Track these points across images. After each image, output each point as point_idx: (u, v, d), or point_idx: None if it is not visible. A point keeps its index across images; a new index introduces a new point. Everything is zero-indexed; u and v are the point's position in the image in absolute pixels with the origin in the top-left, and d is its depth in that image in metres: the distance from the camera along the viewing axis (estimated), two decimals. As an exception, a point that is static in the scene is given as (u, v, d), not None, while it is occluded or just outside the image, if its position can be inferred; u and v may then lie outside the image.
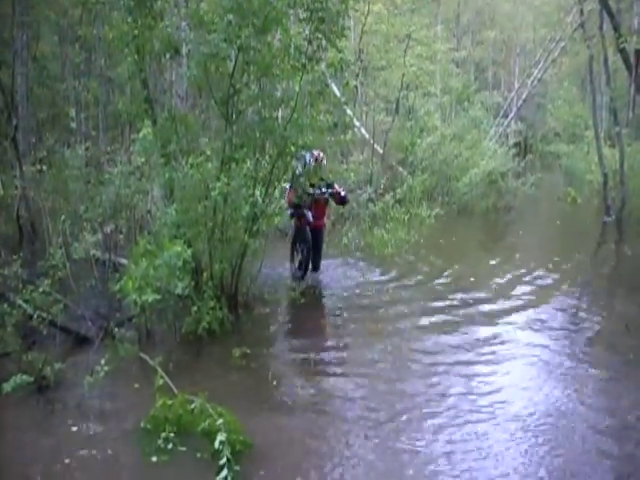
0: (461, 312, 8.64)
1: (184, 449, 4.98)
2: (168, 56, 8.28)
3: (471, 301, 9.13)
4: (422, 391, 6.18)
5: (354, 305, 8.95)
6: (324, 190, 9.72)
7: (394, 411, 5.77)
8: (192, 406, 5.19)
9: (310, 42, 7.75)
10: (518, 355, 7.16)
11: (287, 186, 9.21)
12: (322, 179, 9.66)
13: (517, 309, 8.84)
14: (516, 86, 29.94)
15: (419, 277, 10.37)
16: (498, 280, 10.40)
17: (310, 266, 10.02)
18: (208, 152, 7.80)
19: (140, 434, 5.19)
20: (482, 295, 9.46)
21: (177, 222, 7.36)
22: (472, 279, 10.30)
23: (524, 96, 26.67)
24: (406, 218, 12.48)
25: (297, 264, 9.99)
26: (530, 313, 8.66)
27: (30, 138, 12.65)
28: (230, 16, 7.17)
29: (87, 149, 11.54)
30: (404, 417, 5.66)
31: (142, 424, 5.25)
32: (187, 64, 8.92)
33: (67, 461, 4.89)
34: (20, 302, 6.65)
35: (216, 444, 4.66)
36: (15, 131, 11.37)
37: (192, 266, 7.21)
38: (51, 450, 5.06)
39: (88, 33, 14.45)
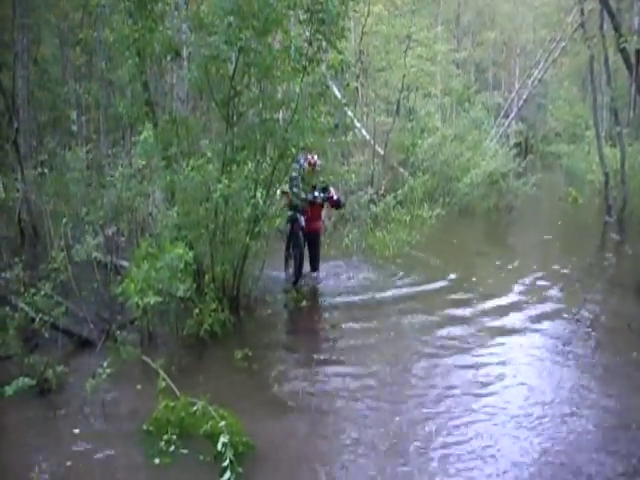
0: (462, 311, 8.64)
1: (186, 451, 4.98)
2: (169, 58, 8.30)
3: (472, 300, 9.13)
4: (424, 391, 6.19)
5: (356, 306, 8.94)
6: (317, 194, 9.65)
7: (397, 412, 5.78)
8: (194, 408, 5.19)
9: (310, 44, 7.75)
10: (519, 354, 7.17)
11: (284, 188, 9.10)
12: (316, 184, 9.55)
13: (518, 309, 8.85)
14: (517, 86, 29.93)
15: (421, 277, 10.35)
16: (498, 279, 10.40)
17: (309, 267, 10.01)
18: (209, 154, 7.81)
19: (142, 436, 5.19)
20: (483, 294, 9.45)
21: (178, 224, 7.37)
22: (473, 279, 10.29)
23: (525, 96, 26.67)
24: (407, 219, 12.52)
25: (292, 270, 9.89)
26: (531, 312, 8.67)
27: (31, 141, 12.69)
28: (230, 18, 7.17)
29: (88, 152, 11.56)
30: (407, 417, 5.66)
31: (144, 426, 5.25)
32: (188, 66, 8.94)
33: (69, 464, 4.89)
34: (22, 305, 6.65)
35: (219, 446, 4.66)
36: (16, 134, 11.37)
37: (194, 268, 7.22)
38: (53, 453, 5.05)
39: (89, 36, 14.48)
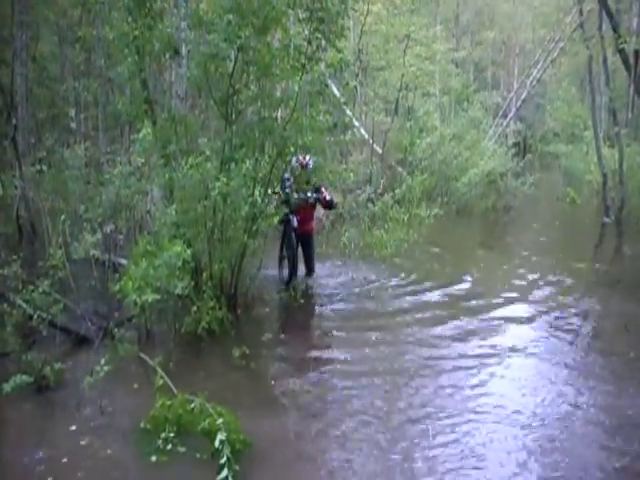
0: (461, 311, 8.64)
1: (184, 449, 4.99)
2: (168, 56, 8.28)
3: (470, 299, 9.15)
4: (422, 391, 6.20)
5: (354, 305, 8.95)
6: (309, 195, 9.51)
7: (394, 411, 5.79)
8: (192, 406, 5.20)
9: (310, 42, 7.74)
10: (516, 353, 7.18)
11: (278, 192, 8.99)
12: (308, 183, 9.33)
13: (515, 308, 8.86)
14: (515, 86, 29.94)
15: (419, 276, 10.36)
16: (496, 279, 10.41)
17: (305, 270, 9.97)
18: (208, 152, 7.80)
19: (140, 434, 5.20)
20: (480, 293, 9.47)
21: (177, 222, 7.36)
22: (470, 278, 10.30)
23: (523, 96, 26.65)
24: (405, 218, 12.51)
25: (286, 270, 9.81)
26: (528, 312, 8.68)
27: (30, 138, 12.67)
28: (230, 16, 7.17)
29: (87, 149, 11.55)
30: (404, 417, 5.67)
31: (142, 424, 5.26)
32: (187, 64, 8.93)
33: (65, 460, 4.90)
34: (20, 302, 6.66)
35: (216, 443, 4.67)
36: (15, 131, 11.38)
37: (192, 266, 7.22)
38: (50, 450, 5.06)
39: (88, 33, 14.47)
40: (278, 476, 4.84)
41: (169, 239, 6.87)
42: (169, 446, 5.01)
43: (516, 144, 28.10)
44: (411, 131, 19.36)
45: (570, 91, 28.50)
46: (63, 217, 8.13)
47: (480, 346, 7.41)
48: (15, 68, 12.32)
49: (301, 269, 9.84)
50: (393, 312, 8.65)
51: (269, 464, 4.93)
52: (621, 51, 15.08)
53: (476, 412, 5.76)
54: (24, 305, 6.64)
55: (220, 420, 4.89)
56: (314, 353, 7.28)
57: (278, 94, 8.49)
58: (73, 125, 14.44)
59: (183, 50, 8.42)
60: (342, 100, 9.57)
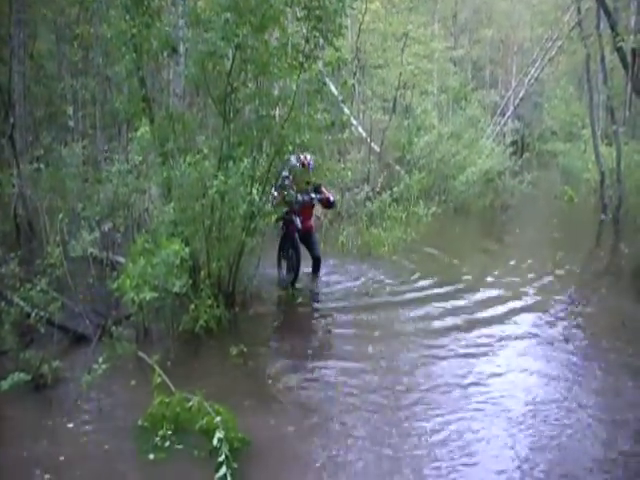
0: (459, 309, 8.66)
1: (181, 447, 5.00)
2: (165, 54, 8.28)
3: (468, 299, 9.15)
4: (421, 387, 6.21)
5: (352, 303, 8.95)
6: (313, 196, 9.49)
7: (391, 410, 5.79)
8: (190, 404, 5.20)
9: (307, 40, 7.75)
10: (514, 352, 7.19)
11: (274, 193, 8.92)
12: (308, 182, 9.38)
13: (513, 307, 8.86)
14: (513, 85, 29.94)
15: (416, 275, 10.36)
16: (493, 276, 10.41)
17: (310, 270, 9.90)
18: (205, 150, 7.81)
19: (137, 432, 5.21)
20: (477, 292, 9.47)
21: (175, 220, 7.36)
22: (469, 277, 10.30)
23: (521, 95, 26.69)
24: (403, 217, 12.53)
25: (285, 270, 9.74)
26: (525, 310, 8.69)
27: (27, 136, 12.64)
28: (227, 14, 7.17)
29: (84, 147, 11.55)
30: (402, 416, 5.68)
31: (139, 422, 5.27)
32: (184, 62, 8.93)
33: (62, 458, 4.90)
34: (18, 300, 6.65)
35: (214, 442, 4.67)
36: (12, 129, 11.36)
37: (189, 264, 7.22)
38: (48, 448, 5.06)
39: (85, 31, 14.44)
40: (276, 474, 4.84)
41: (167, 237, 6.87)
42: (167, 444, 5.02)
43: (514, 142, 28.07)
44: (409, 129, 19.35)
45: (568, 89, 28.52)
46: (61, 215, 8.12)
47: (477, 345, 7.42)
48: (12, 66, 12.29)
49: (302, 270, 9.79)
50: (391, 309, 8.67)
51: (267, 462, 4.93)
52: (619, 49, 15.11)
53: (474, 409, 5.77)
54: (22, 303, 6.63)
55: (218, 418, 4.89)
56: (312, 350, 7.30)
57: (276, 92, 8.49)
58: (71, 123, 14.43)
59: (181, 48, 8.42)
60: (340, 98, 9.59)
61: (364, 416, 5.67)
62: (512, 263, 11.53)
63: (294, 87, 7.85)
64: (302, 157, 8.96)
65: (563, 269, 10.92)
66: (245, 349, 6.85)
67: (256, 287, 8.87)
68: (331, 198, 9.71)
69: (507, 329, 7.96)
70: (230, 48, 7.43)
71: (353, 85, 16.02)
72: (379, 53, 21.03)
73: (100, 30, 12.41)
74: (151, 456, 4.89)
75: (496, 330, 7.90)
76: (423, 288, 9.69)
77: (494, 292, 9.50)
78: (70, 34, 15.22)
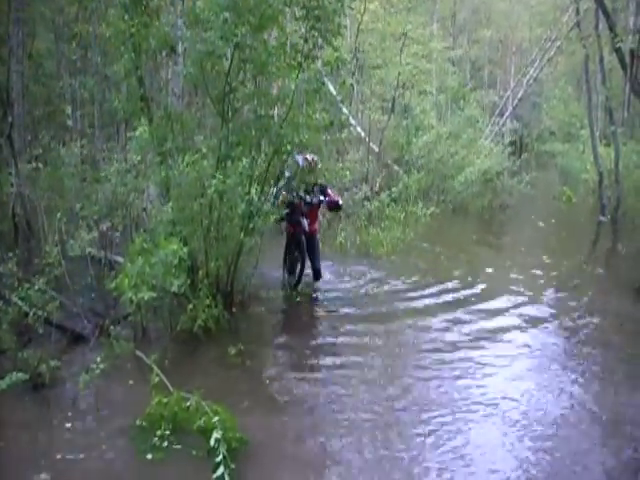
0: (458, 309, 8.67)
1: (179, 447, 5.00)
2: (164, 54, 8.28)
3: (467, 299, 9.16)
4: (418, 391, 6.21)
5: (350, 303, 8.96)
6: (322, 198, 9.38)
7: (389, 410, 5.80)
8: (187, 404, 5.20)
9: (306, 40, 7.75)
10: (512, 352, 7.21)
11: (282, 191, 8.92)
12: (316, 183, 9.36)
13: (511, 306, 8.88)
14: (512, 85, 29.91)
15: (415, 276, 10.37)
16: (492, 277, 10.42)
17: (312, 275, 9.73)
18: (204, 150, 7.80)
19: (135, 432, 5.21)
20: (476, 292, 9.49)
21: (173, 220, 7.36)
22: (469, 278, 10.29)
23: (520, 95, 26.68)
24: (402, 217, 12.53)
25: (289, 271, 9.70)
26: (524, 310, 8.70)
27: (26, 136, 12.61)
28: (226, 14, 7.16)
29: (83, 147, 11.50)
30: (399, 416, 5.69)
31: (137, 421, 5.27)
32: (183, 62, 8.92)
33: (59, 457, 4.90)
34: (16, 300, 6.65)
35: (212, 441, 4.67)
36: (10, 129, 11.33)
37: (188, 264, 7.21)
38: (45, 447, 5.06)
39: (84, 31, 14.43)
40: (274, 474, 4.84)
41: (165, 237, 6.86)
42: (165, 443, 5.02)
43: (512, 143, 28.09)
44: (407, 129, 19.36)
45: (566, 90, 28.54)
46: (59, 215, 8.12)
47: (475, 345, 7.43)
48: (11, 65, 12.26)
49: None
50: (389, 309, 8.69)
51: (265, 462, 4.94)
52: (617, 50, 15.10)
53: (471, 410, 5.77)
54: (20, 303, 6.62)
55: (216, 418, 4.89)
56: (310, 350, 7.29)
57: (275, 92, 8.48)
58: (69, 122, 14.39)
59: (179, 48, 8.41)
60: (338, 98, 9.57)
61: (362, 416, 5.67)
62: (509, 263, 11.53)
63: (293, 87, 7.84)
64: (309, 157, 8.93)
65: (561, 270, 10.93)
66: (243, 349, 6.86)
67: (254, 287, 8.86)
68: (340, 201, 9.65)
69: (502, 327, 7.97)
70: (229, 48, 7.43)
71: (352, 85, 16.02)
72: (378, 53, 21.00)
73: (99, 29, 12.43)
74: (149, 456, 4.89)
75: (492, 329, 7.91)
76: (421, 286, 9.69)
77: (491, 292, 9.50)
78: (69, 33, 15.21)
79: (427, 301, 9.02)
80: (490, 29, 36.40)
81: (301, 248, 9.38)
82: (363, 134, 18.70)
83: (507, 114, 26.79)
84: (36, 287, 6.68)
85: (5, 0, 12.50)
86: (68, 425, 5.39)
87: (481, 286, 9.79)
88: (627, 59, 15.90)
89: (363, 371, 6.63)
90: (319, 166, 9.14)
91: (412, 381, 6.39)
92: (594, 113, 19.89)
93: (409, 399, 5.98)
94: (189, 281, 7.28)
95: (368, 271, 10.57)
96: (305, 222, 9.28)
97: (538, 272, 10.74)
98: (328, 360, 7.09)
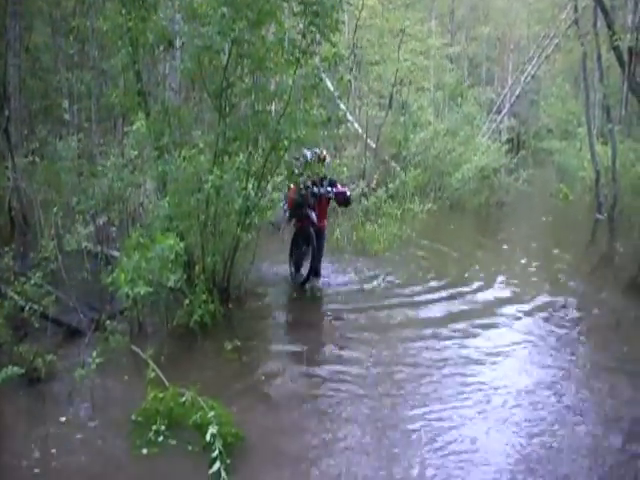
0: (454, 306, 8.68)
1: (175, 442, 4.99)
2: (162, 48, 8.25)
3: (463, 295, 9.17)
4: (414, 386, 6.22)
5: (347, 299, 8.96)
6: (330, 190, 9.26)
7: (384, 407, 5.80)
8: (183, 399, 5.20)
9: (304, 36, 7.73)
10: (509, 349, 7.20)
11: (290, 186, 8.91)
12: (325, 177, 9.25)
13: (506, 302, 8.91)
14: (509, 82, 29.94)
15: (410, 271, 10.38)
16: (489, 275, 10.41)
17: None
18: (201, 145, 7.78)
19: (131, 426, 5.20)
20: (473, 289, 9.49)
21: (170, 215, 7.34)
22: (466, 275, 10.31)
23: (517, 92, 26.69)
24: (398, 213, 12.52)
25: (295, 267, 9.63)
26: (519, 307, 8.72)
27: (22, 130, 12.61)
28: (224, 9, 7.14)
29: (80, 141, 11.49)
30: (395, 413, 5.69)
31: (133, 416, 5.26)
32: (181, 57, 8.90)
33: (54, 451, 4.90)
34: (12, 294, 6.64)
35: (207, 437, 4.67)
36: (7, 122, 11.33)
37: (184, 259, 7.20)
38: (41, 442, 5.05)
39: (81, 25, 14.36)
40: (270, 469, 4.84)
41: (162, 232, 6.85)
42: (160, 438, 5.02)
43: (510, 140, 28.15)
44: (405, 126, 19.36)
45: (564, 88, 28.48)
46: (55, 209, 8.11)
47: (469, 339, 7.44)
48: (8, 59, 12.25)
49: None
50: (384, 304, 8.69)
51: (261, 457, 4.93)
52: (615, 48, 15.09)
53: (468, 408, 5.78)
54: (16, 297, 6.62)
55: (212, 413, 4.89)
56: (306, 347, 7.28)
57: (272, 87, 8.47)
58: (66, 116, 14.37)
59: (177, 42, 8.37)
60: (336, 94, 9.54)
61: (358, 412, 5.67)
62: (505, 261, 11.54)
63: (290, 82, 7.83)
64: (318, 151, 8.86)
65: (557, 268, 10.94)
66: (239, 344, 6.85)
67: (251, 282, 8.86)
68: (347, 193, 9.47)
69: (499, 326, 7.98)
70: (226, 43, 7.42)
71: (349, 81, 15.99)
72: (376, 49, 21.02)
73: (96, 23, 12.35)
74: (144, 451, 4.89)
75: (489, 327, 7.92)
76: (420, 285, 9.68)
77: (488, 291, 9.52)
78: (66, 27, 15.14)
79: (423, 297, 9.04)
80: (488, 26, 36.42)
81: (311, 241, 9.19)
82: (360, 130, 18.70)
83: (504, 111, 26.80)
84: (32, 281, 6.68)
85: (2, -6, 12.47)
86: (63, 419, 5.38)
87: (477, 282, 9.79)
88: (625, 57, 15.91)
89: (361, 366, 6.63)
90: (327, 160, 9.06)
91: (412, 380, 6.38)
92: (591, 111, 19.87)
93: (408, 399, 5.97)
94: (185, 276, 7.29)
95: (364, 267, 10.57)
96: (313, 215, 9.16)
97: (534, 269, 10.75)
98: (324, 355, 7.10)
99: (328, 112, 8.49)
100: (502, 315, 8.38)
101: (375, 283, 9.67)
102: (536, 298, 9.11)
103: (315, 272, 9.42)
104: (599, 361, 6.90)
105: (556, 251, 12.16)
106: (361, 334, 7.62)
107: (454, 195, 17.73)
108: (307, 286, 9.27)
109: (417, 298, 9.04)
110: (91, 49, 14.50)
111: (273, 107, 8.80)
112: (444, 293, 9.24)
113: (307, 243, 9.32)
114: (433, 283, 9.75)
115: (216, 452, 4.57)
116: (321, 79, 8.21)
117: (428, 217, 13.52)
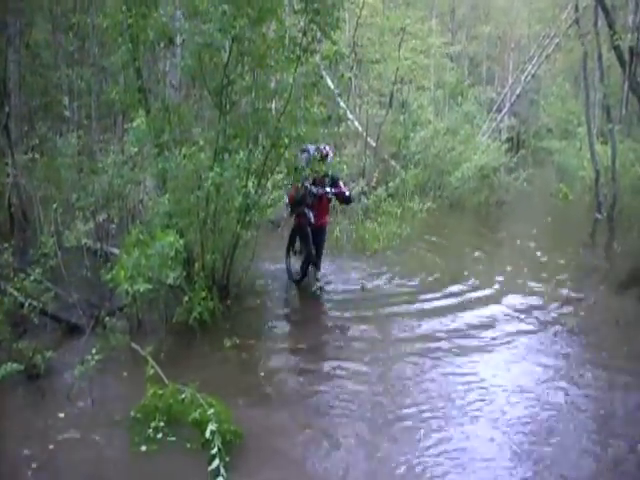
0: (453, 305, 8.68)
1: (174, 439, 5.00)
2: (162, 45, 8.25)
3: (462, 294, 9.17)
4: (412, 385, 6.22)
5: (346, 297, 8.97)
6: (328, 190, 9.12)
7: (382, 405, 5.80)
8: (182, 396, 5.20)
9: (305, 34, 7.73)
10: (507, 348, 7.20)
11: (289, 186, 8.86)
12: (327, 175, 9.11)
13: (504, 300, 8.91)
14: (510, 81, 29.90)
15: (410, 270, 10.38)
16: (487, 273, 10.40)
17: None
18: (201, 142, 7.78)
19: (130, 423, 5.20)
20: (471, 288, 9.48)
21: (169, 212, 7.35)
22: (465, 273, 10.29)
23: (518, 92, 26.67)
24: (398, 212, 12.53)
25: (291, 264, 9.65)
26: (517, 305, 8.72)
27: (22, 126, 12.59)
28: (225, 6, 7.14)
29: (80, 138, 11.48)
30: (393, 411, 5.69)
31: (132, 413, 5.26)
32: (181, 54, 8.90)
33: (53, 448, 4.90)
34: (11, 290, 6.65)
35: (207, 434, 4.68)
36: (7, 119, 11.31)
37: (184, 256, 7.21)
38: (39, 438, 5.06)
39: (82, 21, 14.35)
40: (269, 466, 4.84)
41: (161, 229, 6.86)
42: (159, 435, 5.02)
43: (510, 139, 28.12)
44: (405, 124, 19.35)
45: (564, 87, 28.47)
46: (55, 205, 8.11)
47: (469, 339, 7.44)
48: (8, 55, 12.23)
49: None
50: (385, 302, 8.70)
51: (260, 454, 4.94)
52: (616, 48, 15.10)
53: (465, 406, 5.78)
54: (15, 293, 6.62)
55: (211, 410, 4.89)
56: (306, 343, 7.30)
57: (273, 85, 8.47)
58: (66, 113, 14.34)
59: (178, 39, 8.38)
60: (337, 92, 9.55)
61: (357, 410, 5.67)
62: (505, 260, 11.54)
63: (291, 80, 7.83)
64: (321, 147, 8.80)
65: (557, 266, 10.94)
66: (239, 342, 6.87)
67: (250, 280, 8.86)
68: (346, 192, 9.32)
69: (497, 324, 7.98)
70: (227, 40, 7.42)
71: (350, 79, 16.01)
72: (376, 47, 20.97)
73: (96, 20, 12.34)
74: (143, 448, 4.89)
75: (487, 325, 7.92)
76: (420, 284, 9.69)
77: (487, 288, 9.50)
78: (66, 23, 15.12)
79: (422, 296, 9.03)
80: (489, 25, 36.37)
81: (306, 241, 9.16)
82: (360, 129, 18.69)
83: (505, 111, 26.78)
84: (32, 278, 6.68)
85: (3, -10, 12.45)
86: (62, 415, 5.39)
87: (475, 280, 9.79)
88: (626, 57, 15.93)
89: (360, 363, 6.64)
90: (330, 157, 9.00)
91: (411, 379, 6.37)
92: (592, 111, 19.87)
93: (407, 398, 5.97)
94: (185, 273, 7.29)
95: (364, 265, 10.58)
96: (310, 214, 9.08)
97: (533, 268, 10.74)
98: (323, 353, 7.10)
99: (328, 110, 8.52)
100: (500, 312, 8.38)
101: (375, 280, 9.68)
102: (534, 296, 9.11)
103: (315, 266, 9.36)
104: (598, 361, 6.89)
105: (555, 250, 12.15)
106: (361, 331, 7.63)
107: (454, 194, 17.72)
108: (308, 285, 9.27)
109: (417, 295, 9.04)
110: (91, 46, 14.49)
111: (273, 105, 8.78)
112: (443, 290, 9.25)
113: (303, 241, 9.31)
114: (431, 280, 9.75)
115: (215, 449, 4.57)
116: (322, 77, 8.23)
117: (428, 216, 13.54)
